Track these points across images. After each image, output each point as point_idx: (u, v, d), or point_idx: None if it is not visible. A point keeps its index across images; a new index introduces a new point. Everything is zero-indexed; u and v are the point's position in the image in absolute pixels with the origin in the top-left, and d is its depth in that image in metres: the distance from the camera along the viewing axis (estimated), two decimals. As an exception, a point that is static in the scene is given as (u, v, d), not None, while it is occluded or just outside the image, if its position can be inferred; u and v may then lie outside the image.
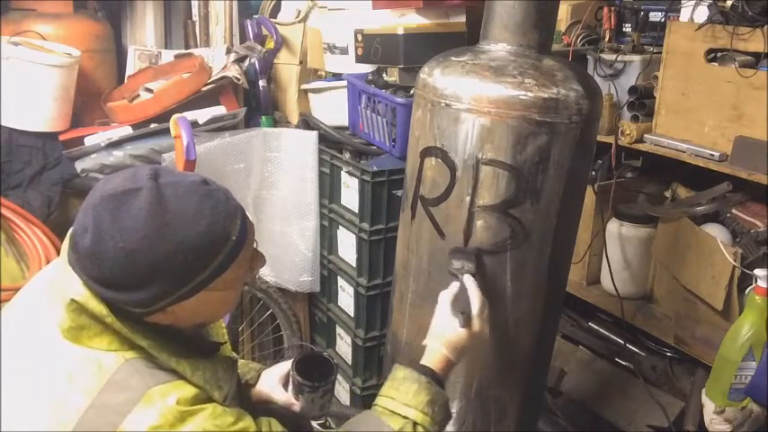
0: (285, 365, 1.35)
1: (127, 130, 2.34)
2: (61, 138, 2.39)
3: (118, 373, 0.94)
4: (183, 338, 1.03)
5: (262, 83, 2.64)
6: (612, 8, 2.11)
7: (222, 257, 0.97)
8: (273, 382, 1.34)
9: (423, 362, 1.23)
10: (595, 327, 2.32)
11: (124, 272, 0.92)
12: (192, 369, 0.99)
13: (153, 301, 0.95)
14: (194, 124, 2.30)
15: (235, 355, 1.35)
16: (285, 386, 1.33)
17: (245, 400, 1.32)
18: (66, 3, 2.53)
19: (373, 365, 2.42)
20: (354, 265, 2.38)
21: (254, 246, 1.07)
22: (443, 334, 1.25)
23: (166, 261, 0.92)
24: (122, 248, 0.91)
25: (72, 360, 0.95)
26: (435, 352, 1.24)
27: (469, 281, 1.31)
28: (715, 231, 1.83)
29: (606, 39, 2.11)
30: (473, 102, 1.34)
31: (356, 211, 2.32)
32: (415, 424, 1.11)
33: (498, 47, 1.42)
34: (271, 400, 1.34)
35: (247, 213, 1.09)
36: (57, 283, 0.99)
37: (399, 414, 1.12)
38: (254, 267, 1.08)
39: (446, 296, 1.30)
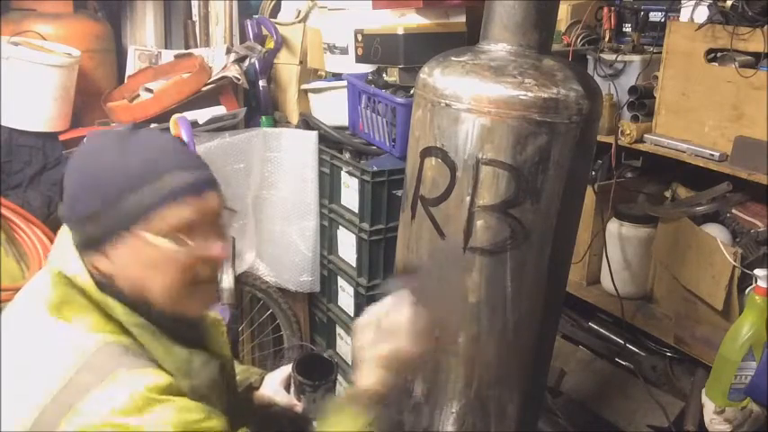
0: (287, 369, 1.35)
1: (127, 130, 2.34)
2: (61, 138, 2.39)
3: (95, 356, 0.93)
4: (164, 321, 1.01)
5: (262, 83, 2.64)
6: (612, 8, 2.11)
7: (151, 192, 0.96)
8: (275, 385, 1.34)
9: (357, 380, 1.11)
10: (595, 327, 2.31)
11: (76, 180, 0.98)
12: (165, 353, 0.99)
13: (86, 218, 0.97)
14: (194, 124, 2.30)
15: (236, 362, 1.34)
16: (287, 388, 1.33)
17: (247, 402, 1.33)
18: (66, 3, 2.53)
19: (373, 365, 2.42)
20: (354, 265, 2.38)
21: (221, 230, 1.04)
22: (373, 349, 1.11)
23: (105, 172, 0.97)
24: (82, 162, 1.00)
25: (54, 339, 0.96)
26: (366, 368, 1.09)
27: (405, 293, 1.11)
28: (715, 231, 1.83)
29: (606, 39, 2.11)
30: (473, 102, 1.34)
31: (356, 211, 2.32)
32: None
33: (498, 47, 1.42)
34: (273, 403, 1.33)
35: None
36: (49, 260, 1.03)
37: None
38: (208, 252, 1.00)
39: (375, 309, 1.12)
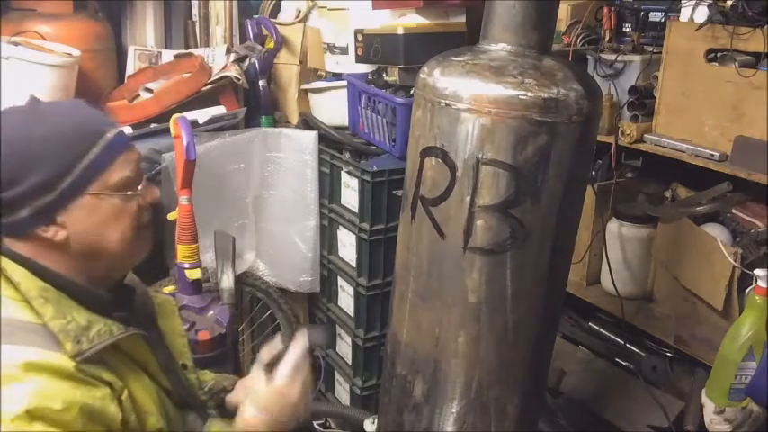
0: (254, 378, 1.31)
1: (127, 130, 2.34)
2: (61, 138, 2.39)
3: None
4: (75, 287, 1.04)
5: (262, 83, 2.64)
6: (612, 8, 2.11)
7: (98, 151, 1.03)
8: (242, 395, 1.34)
9: (234, 425, 1.20)
10: (595, 327, 2.31)
11: (6, 164, 0.98)
12: (54, 313, 0.99)
13: (36, 193, 0.99)
14: (194, 124, 2.30)
15: (194, 379, 1.33)
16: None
17: (219, 406, 1.34)
18: (66, 3, 2.53)
19: (373, 365, 2.42)
20: (354, 265, 2.38)
21: (145, 182, 1.11)
22: (252, 389, 1.22)
23: (41, 148, 0.99)
24: (6, 142, 0.99)
25: None
26: (245, 409, 1.19)
27: (300, 341, 1.23)
28: (715, 231, 1.83)
29: (606, 39, 2.10)
30: (473, 102, 1.34)
31: (356, 211, 2.32)
32: None
33: (498, 47, 1.42)
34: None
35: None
36: None
37: None
38: (147, 198, 1.11)
39: (264, 352, 1.25)
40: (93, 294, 1.06)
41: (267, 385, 1.19)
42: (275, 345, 1.26)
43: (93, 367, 0.99)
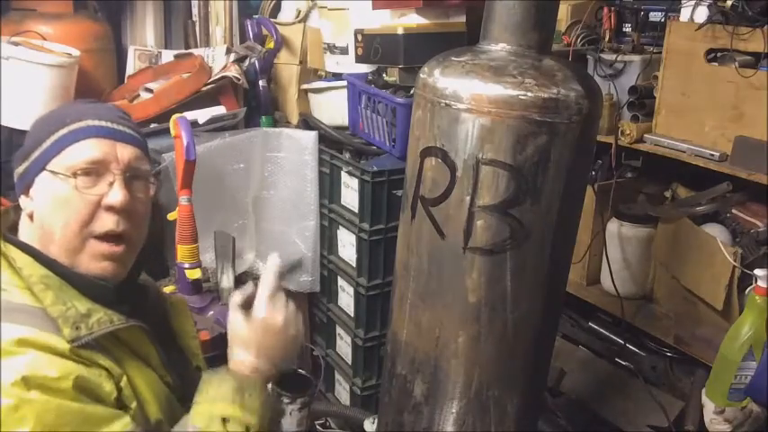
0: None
1: (127, 130, 2.34)
2: (61, 138, 2.39)
3: None
4: (74, 277, 1.04)
5: (262, 83, 2.64)
6: (612, 8, 2.11)
7: (67, 131, 1.06)
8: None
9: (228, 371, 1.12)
10: (595, 327, 2.31)
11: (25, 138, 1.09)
12: (54, 299, 1.00)
13: (21, 157, 1.08)
14: (194, 124, 2.30)
15: (199, 364, 1.32)
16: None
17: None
18: (66, 3, 2.53)
19: (373, 365, 2.42)
20: (354, 265, 2.38)
21: (136, 186, 1.09)
22: (233, 332, 1.13)
23: (36, 123, 1.11)
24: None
25: None
26: (232, 356, 1.12)
27: (270, 270, 1.16)
28: (715, 231, 1.83)
29: (606, 39, 2.10)
30: (473, 102, 1.34)
31: (356, 211, 2.32)
32: (223, 419, 1.01)
33: (498, 47, 1.42)
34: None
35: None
36: None
37: (204, 413, 1.03)
38: (109, 198, 1.04)
39: (236, 296, 1.16)
40: (95, 284, 1.06)
41: (247, 322, 1.11)
42: (247, 287, 1.17)
43: (90, 352, 0.99)
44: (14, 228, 1.11)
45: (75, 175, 1.03)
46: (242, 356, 1.10)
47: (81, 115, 1.08)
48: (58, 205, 1.04)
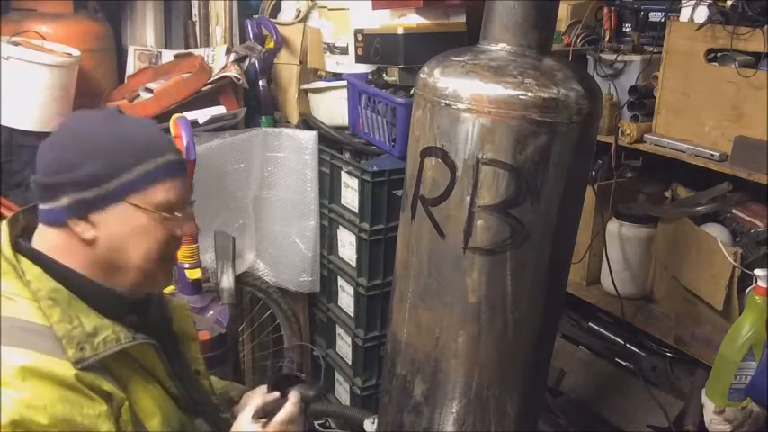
0: (260, 392, 1.31)
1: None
2: (61, 138, 2.39)
3: None
4: (90, 289, 1.04)
5: (262, 83, 2.64)
6: (612, 8, 2.11)
7: (153, 167, 1.04)
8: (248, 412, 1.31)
9: None
10: (595, 327, 2.31)
11: (69, 148, 1.02)
12: (60, 317, 0.98)
13: (84, 183, 1.00)
14: (194, 124, 2.30)
15: (207, 385, 1.33)
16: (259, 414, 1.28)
17: (218, 414, 1.31)
18: (66, 3, 2.53)
19: (373, 365, 2.42)
20: (354, 265, 2.38)
21: (191, 211, 1.13)
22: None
23: (107, 143, 1.02)
24: (77, 130, 1.05)
25: None
26: None
27: (293, 396, 1.24)
28: (715, 231, 1.83)
29: (606, 39, 2.10)
30: (473, 102, 1.34)
31: (356, 211, 2.32)
32: None
33: (498, 47, 1.42)
34: None
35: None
36: None
37: None
38: (183, 229, 1.10)
39: (254, 398, 1.24)
40: (110, 295, 1.06)
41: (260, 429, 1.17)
42: (269, 394, 1.25)
43: (95, 375, 0.98)
44: (28, 232, 1.08)
45: (158, 209, 1.05)
46: None
47: (161, 148, 1.06)
48: (138, 236, 1.05)
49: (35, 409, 0.91)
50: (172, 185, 1.06)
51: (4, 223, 1.05)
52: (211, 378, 1.39)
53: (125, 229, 1.04)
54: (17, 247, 1.03)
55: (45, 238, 1.05)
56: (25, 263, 1.01)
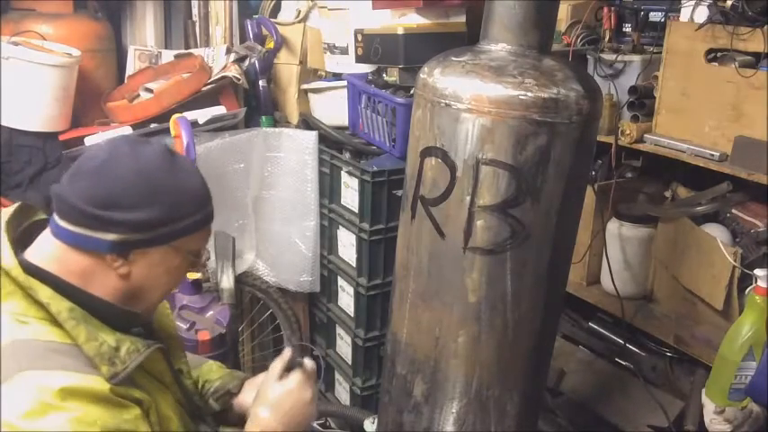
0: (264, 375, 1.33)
1: (127, 130, 2.34)
2: (61, 138, 2.39)
3: (6, 350, 0.94)
4: (100, 306, 1.03)
5: (262, 83, 2.63)
6: (612, 8, 2.11)
7: (200, 216, 1.08)
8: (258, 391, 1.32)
9: (246, 427, 1.19)
10: (595, 327, 2.31)
11: (129, 188, 1.00)
12: (87, 336, 0.98)
13: (139, 226, 1.00)
14: (194, 124, 2.30)
15: (218, 367, 1.36)
16: None
17: (225, 411, 1.33)
18: (66, 3, 2.53)
19: (373, 365, 2.42)
20: (354, 265, 2.38)
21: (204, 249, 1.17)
22: (262, 393, 1.21)
23: (169, 191, 1.03)
24: (136, 168, 1.01)
25: None
26: (257, 417, 1.18)
27: (309, 362, 1.27)
28: (715, 231, 1.83)
29: (606, 39, 2.11)
30: (473, 102, 1.34)
31: (356, 211, 2.32)
32: None
33: (498, 47, 1.42)
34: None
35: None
36: None
37: None
38: (200, 259, 1.14)
39: (277, 363, 1.25)
40: (124, 314, 1.07)
41: (279, 386, 1.19)
42: (285, 353, 1.27)
43: (126, 388, 0.99)
44: (27, 237, 1.06)
45: (191, 253, 1.11)
46: (263, 415, 1.17)
47: (207, 197, 1.11)
48: (168, 275, 1.09)
49: (89, 424, 0.92)
50: (207, 232, 1.12)
51: (4, 238, 1.01)
52: (212, 366, 1.40)
53: (159, 269, 1.07)
54: (23, 265, 1.00)
55: (65, 260, 1.02)
56: (34, 283, 0.98)
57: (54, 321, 0.98)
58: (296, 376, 1.21)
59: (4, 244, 1.01)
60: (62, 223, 1.01)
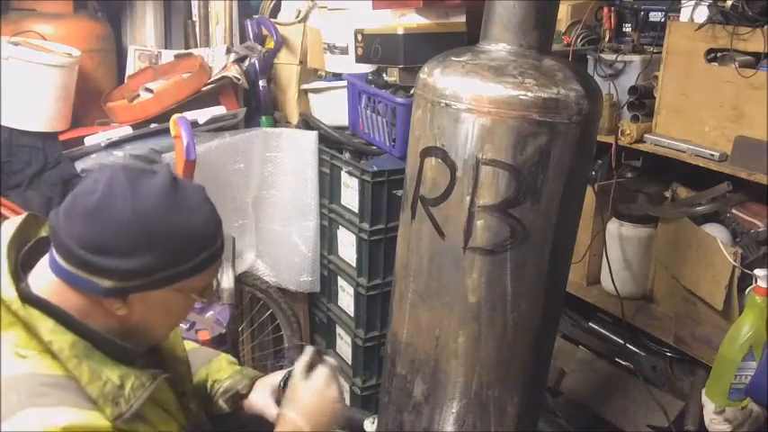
0: (278, 376, 1.34)
1: (127, 130, 2.34)
2: (61, 138, 2.39)
3: (6, 385, 0.91)
4: (99, 339, 1.00)
5: (262, 83, 2.64)
6: (612, 8, 2.11)
7: (205, 256, 1.01)
8: (266, 396, 1.32)
9: (276, 429, 1.19)
10: (595, 327, 2.31)
11: (124, 233, 0.93)
12: (90, 376, 0.95)
13: (135, 274, 0.95)
14: (194, 124, 2.30)
15: (227, 364, 1.36)
16: (278, 401, 1.30)
17: (234, 412, 1.32)
18: (66, 3, 2.53)
19: (373, 365, 2.42)
20: (354, 265, 2.38)
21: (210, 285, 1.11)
22: (290, 394, 1.22)
23: (169, 233, 0.96)
24: (131, 209, 0.93)
25: None
26: (286, 419, 1.19)
27: (331, 358, 1.31)
28: (715, 231, 1.83)
29: (606, 39, 2.11)
30: (473, 102, 1.34)
31: (356, 211, 2.32)
32: None
33: (498, 47, 1.42)
34: (263, 414, 1.32)
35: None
36: None
37: None
38: (206, 295, 1.08)
39: (301, 361, 1.25)
40: (126, 349, 1.04)
41: (306, 385, 1.20)
42: (307, 351, 1.27)
43: (130, 424, 0.97)
44: (34, 256, 1.03)
45: (195, 292, 1.05)
46: (292, 416, 1.18)
47: (214, 234, 1.03)
48: (170, 315, 1.07)
49: None
50: (213, 269, 1.05)
51: (4, 265, 0.97)
52: (222, 363, 1.38)
53: (160, 310, 1.03)
54: (23, 295, 0.96)
55: (63, 294, 0.98)
56: (35, 315, 0.95)
57: (48, 352, 0.95)
58: (321, 375, 1.21)
59: (4, 273, 0.96)
60: (59, 259, 0.97)
